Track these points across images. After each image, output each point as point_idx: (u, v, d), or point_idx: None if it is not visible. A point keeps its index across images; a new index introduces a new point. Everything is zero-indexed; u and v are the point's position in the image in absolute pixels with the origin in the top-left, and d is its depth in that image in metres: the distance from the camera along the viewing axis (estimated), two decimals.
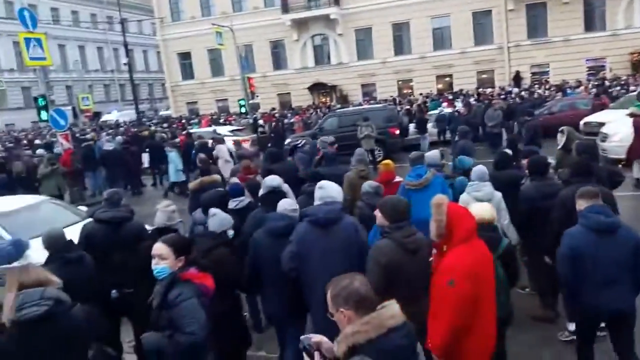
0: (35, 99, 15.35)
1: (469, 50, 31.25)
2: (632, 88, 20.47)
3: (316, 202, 4.17)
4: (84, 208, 8.95)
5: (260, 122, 23.65)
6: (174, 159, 13.91)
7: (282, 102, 35.78)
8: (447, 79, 32.81)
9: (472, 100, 21.86)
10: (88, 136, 19.67)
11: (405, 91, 33.12)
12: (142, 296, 3.31)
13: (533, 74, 30.79)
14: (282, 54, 35.74)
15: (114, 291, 4.79)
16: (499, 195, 5.41)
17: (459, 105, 20.44)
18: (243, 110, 27.40)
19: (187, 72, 38.28)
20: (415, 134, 18.50)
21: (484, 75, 31.82)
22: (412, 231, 3.62)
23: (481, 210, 4.11)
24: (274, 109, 31.92)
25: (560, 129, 7.60)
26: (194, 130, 20.99)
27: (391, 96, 30.70)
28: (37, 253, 4.33)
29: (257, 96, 31.65)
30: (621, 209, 5.14)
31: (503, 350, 4.07)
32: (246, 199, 5.83)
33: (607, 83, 23.78)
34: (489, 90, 27.08)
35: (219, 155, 13.35)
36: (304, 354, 2.30)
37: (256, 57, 35.46)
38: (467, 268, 3.24)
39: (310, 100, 34.56)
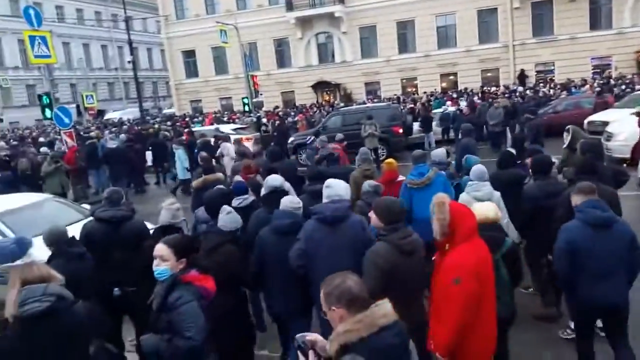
0: (40, 96, 15.40)
1: (474, 48, 31.14)
2: (637, 87, 20.37)
3: (324, 201, 4.23)
4: (87, 206, 8.96)
5: (264, 120, 23.62)
6: (181, 156, 13.92)
7: (285, 101, 35.78)
8: (452, 77, 32.72)
9: (476, 98, 21.76)
10: (92, 134, 19.72)
11: (409, 90, 33.04)
12: (144, 295, 3.30)
13: (538, 72, 30.68)
14: (286, 52, 35.73)
15: (116, 289, 4.81)
16: (497, 194, 5.42)
17: (463, 104, 20.38)
18: (247, 108, 27.41)
19: (191, 70, 38.32)
20: (419, 132, 18.48)
21: (488, 74, 31.71)
22: (407, 232, 3.61)
23: (485, 209, 4.09)
24: (277, 107, 31.92)
25: (566, 128, 7.57)
26: (197, 128, 20.98)
27: (395, 95, 30.66)
28: (40, 251, 4.34)
29: (261, 94, 31.60)
30: (625, 209, 5.12)
31: (505, 350, 4.06)
32: (250, 197, 5.85)
33: (612, 82, 23.66)
34: (493, 88, 27.00)
35: (223, 152, 13.36)
36: (299, 353, 2.30)
37: (260, 55, 35.46)
38: (472, 266, 3.27)
39: (314, 98, 34.54)
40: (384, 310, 2.26)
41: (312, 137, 11.59)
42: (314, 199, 5.24)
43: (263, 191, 5.46)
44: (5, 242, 3.95)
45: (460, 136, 10.65)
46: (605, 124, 13.47)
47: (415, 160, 6.38)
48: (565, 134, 7.46)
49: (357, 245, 3.93)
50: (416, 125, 19.01)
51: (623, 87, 20.88)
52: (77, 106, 31.01)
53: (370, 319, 2.20)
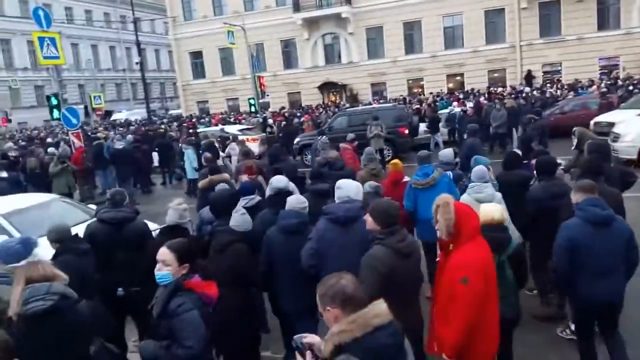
0: (48, 97, 15.51)
1: (481, 49, 31.04)
2: None
3: (336, 201, 4.31)
4: (93, 206, 9.01)
5: (270, 121, 23.64)
6: (190, 156, 13.98)
7: (292, 101, 35.82)
8: (458, 78, 32.62)
9: (482, 99, 21.67)
10: (100, 134, 19.83)
11: (415, 90, 32.98)
12: (147, 295, 3.31)
13: (545, 73, 30.53)
14: (293, 53, 35.77)
15: (120, 289, 4.83)
16: (499, 195, 5.40)
17: (470, 104, 20.31)
18: (253, 109, 27.46)
19: (199, 71, 38.45)
20: (426, 133, 18.43)
21: (495, 74, 31.59)
22: (404, 235, 3.60)
23: (491, 210, 4.09)
24: (283, 107, 31.96)
25: (572, 130, 7.55)
26: (201, 129, 21.05)
27: (401, 95, 30.60)
28: (46, 251, 4.37)
29: (268, 95, 31.71)
30: (632, 210, 5.09)
31: (510, 352, 4.06)
32: (256, 198, 5.87)
33: (620, 82, 23.50)
34: (500, 89, 26.88)
35: (231, 153, 13.40)
36: (297, 353, 2.30)
37: (267, 56, 35.53)
38: (479, 265, 3.31)
39: (320, 99, 34.56)
40: (378, 310, 2.25)
41: (324, 137, 11.57)
42: (317, 198, 5.26)
43: (268, 192, 5.49)
44: (10, 242, 3.97)
45: (465, 136, 10.65)
46: (611, 124, 13.41)
47: (420, 161, 6.39)
48: (572, 136, 7.43)
49: (368, 245, 3.92)
50: (422, 126, 18.96)
51: (631, 87, 20.72)
52: (85, 107, 31.19)
53: (364, 319, 2.20)
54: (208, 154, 9.78)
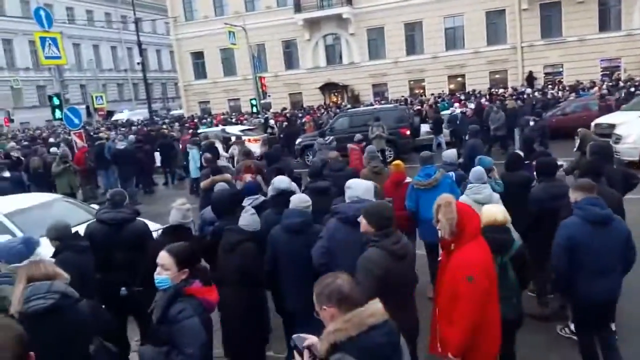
0: (50, 97, 15.53)
1: (482, 50, 31.05)
2: None
3: (346, 201, 4.35)
4: (96, 206, 9.02)
5: (271, 122, 23.66)
6: (195, 155, 14.00)
7: (293, 102, 35.84)
8: (460, 79, 32.63)
9: (483, 100, 21.67)
10: (102, 135, 19.85)
11: (416, 91, 32.99)
12: (149, 295, 3.31)
13: (546, 74, 30.52)
14: (294, 54, 35.79)
15: (123, 289, 4.84)
16: (497, 196, 5.44)
17: (472, 106, 20.31)
18: (254, 109, 27.47)
19: (200, 71, 38.48)
20: (429, 134, 18.41)
21: (496, 76, 31.60)
22: (398, 237, 3.58)
23: (494, 211, 4.10)
24: (285, 108, 31.98)
25: (577, 132, 7.56)
26: (202, 130, 21.08)
27: (402, 96, 30.60)
28: (48, 250, 4.38)
29: (269, 96, 31.72)
30: (634, 212, 5.09)
31: (512, 352, 4.07)
32: (260, 198, 5.88)
33: (621, 84, 23.49)
34: (501, 90, 26.88)
35: (234, 153, 13.41)
36: (295, 352, 2.32)
37: (268, 56, 35.56)
38: (484, 263, 3.35)
39: (322, 100, 34.58)
40: (373, 309, 2.27)
41: (331, 138, 11.56)
42: (316, 195, 5.28)
43: (271, 192, 5.52)
44: (13, 242, 3.98)
45: (467, 137, 10.67)
46: (612, 126, 13.42)
47: (423, 162, 6.40)
48: (576, 137, 7.44)
49: None
50: (424, 127, 18.95)
51: (632, 89, 20.71)
52: (87, 107, 31.28)
53: (359, 318, 2.21)
54: (208, 155, 9.79)
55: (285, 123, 22.78)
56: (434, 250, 5.54)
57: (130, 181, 14.49)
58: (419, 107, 23.41)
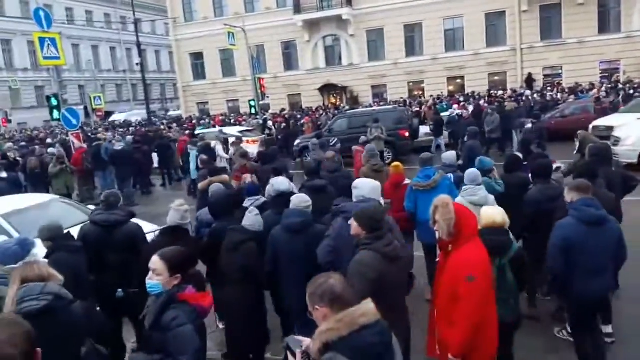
0: (48, 98, 15.50)
1: (482, 51, 31.05)
2: None
3: (353, 200, 4.40)
4: (93, 207, 9.00)
5: (270, 123, 23.66)
6: (195, 157, 14.00)
7: (292, 103, 35.83)
8: (459, 80, 32.63)
9: (482, 102, 21.67)
10: (100, 135, 19.83)
11: (416, 93, 32.99)
12: (145, 297, 3.29)
13: (546, 76, 30.52)
14: (294, 55, 35.79)
15: (119, 290, 4.83)
16: (492, 198, 5.46)
17: (471, 107, 20.30)
18: (253, 111, 27.47)
19: (199, 72, 38.47)
20: (428, 136, 18.38)
21: (496, 77, 31.60)
22: (390, 239, 3.56)
23: (492, 213, 4.10)
24: (284, 109, 31.98)
25: (577, 134, 7.55)
26: (199, 131, 21.07)
27: (401, 98, 30.60)
28: (43, 251, 4.38)
29: (268, 97, 31.73)
30: (632, 214, 5.09)
31: (510, 354, 4.05)
32: (262, 198, 5.90)
33: (620, 86, 23.51)
34: (500, 92, 26.89)
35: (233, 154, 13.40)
36: (288, 353, 2.34)
37: (268, 57, 35.55)
38: (483, 263, 3.39)
39: (321, 101, 34.57)
40: (365, 309, 2.28)
41: (335, 139, 11.54)
42: (313, 194, 5.29)
43: (271, 194, 5.56)
44: (8, 243, 3.96)
45: (465, 139, 10.68)
46: (610, 128, 13.41)
47: (423, 163, 6.42)
48: (575, 140, 7.43)
49: None
50: (423, 129, 18.93)
51: (631, 91, 20.73)
52: (85, 107, 31.23)
53: (350, 317, 2.23)
54: (204, 156, 9.80)
55: (284, 124, 22.79)
56: (432, 251, 5.54)
57: (127, 182, 14.46)
58: (418, 109, 23.41)
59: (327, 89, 34.86)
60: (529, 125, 13.12)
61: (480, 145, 9.83)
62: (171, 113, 44.86)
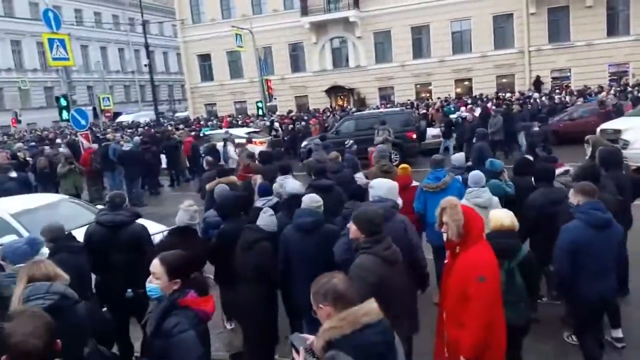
0: (57, 98, 15.61)
1: (489, 54, 30.95)
2: None
3: (370, 200, 4.44)
4: (101, 207, 9.06)
5: (276, 124, 23.70)
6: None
7: (299, 105, 35.86)
8: (467, 83, 32.54)
9: (489, 105, 21.58)
10: (109, 136, 19.93)
11: (423, 95, 32.92)
12: None
13: (554, 79, 30.36)
14: (301, 57, 35.82)
15: (129, 290, 4.85)
16: (496, 200, 5.48)
17: (479, 110, 20.22)
18: (260, 112, 27.53)
19: (207, 73, 38.58)
20: (434, 138, 18.32)
21: (503, 80, 31.48)
22: (389, 242, 3.57)
23: (501, 216, 4.09)
24: (291, 111, 32.03)
25: (585, 139, 7.48)
26: (205, 132, 21.13)
27: (409, 100, 30.55)
28: (45, 251, 4.40)
29: (275, 98, 31.75)
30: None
31: (519, 358, 4.05)
32: (274, 198, 5.91)
33: (629, 89, 23.35)
34: (508, 94, 26.79)
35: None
36: (292, 351, 2.37)
37: (275, 59, 35.61)
38: (493, 264, 3.41)
39: (328, 103, 34.58)
40: (368, 308, 2.32)
41: (351, 142, 11.53)
42: (319, 193, 5.31)
43: (283, 196, 5.64)
44: (18, 242, 4.01)
45: (474, 140, 10.68)
46: (618, 132, 13.31)
47: (434, 165, 6.43)
48: (585, 144, 7.36)
49: (399, 243, 3.97)
50: (431, 131, 18.88)
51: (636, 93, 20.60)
52: (94, 108, 31.39)
53: (353, 316, 2.27)
54: (209, 158, 9.85)
55: (291, 126, 22.84)
56: (441, 253, 5.53)
57: (136, 182, 14.53)
58: (425, 111, 23.35)
59: (334, 91, 34.87)
60: (536, 129, 13.05)
61: (489, 146, 9.81)
62: (178, 114, 44.98)
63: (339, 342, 2.22)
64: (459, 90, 32.41)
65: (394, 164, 14.05)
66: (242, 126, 25.23)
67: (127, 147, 14.68)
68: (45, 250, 4.35)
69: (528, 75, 30.20)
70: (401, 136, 16.27)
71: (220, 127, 24.35)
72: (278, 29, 34.40)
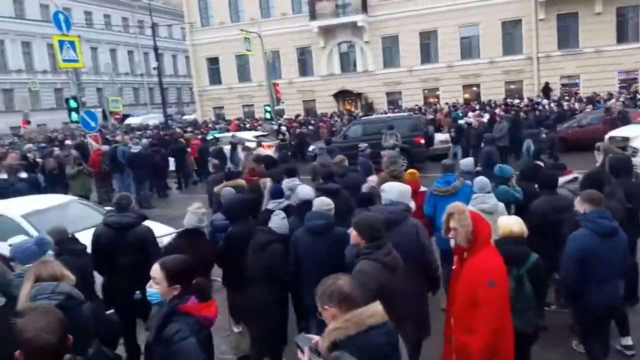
0: (67, 100, 15.71)
1: (498, 60, 30.87)
2: None
3: (383, 203, 4.50)
4: (109, 208, 9.10)
5: (283, 128, 23.76)
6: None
7: (307, 109, 35.93)
8: (475, 88, 32.46)
9: (497, 110, 21.52)
10: (118, 138, 20.04)
11: (431, 100, 32.88)
12: None
13: (563, 85, 30.24)
14: (309, 61, 35.90)
15: (137, 292, 4.87)
16: (501, 206, 5.49)
17: (487, 116, 20.16)
18: (268, 116, 27.58)
19: (215, 77, 38.74)
20: (442, 143, 18.28)
21: (512, 86, 31.38)
22: (389, 248, 3.58)
23: (510, 223, 4.09)
24: (298, 115, 32.07)
25: (596, 146, 7.44)
26: (212, 135, 21.20)
27: (416, 105, 30.52)
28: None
29: (283, 102, 31.80)
30: None
31: None
32: (285, 201, 5.96)
33: (638, 96, 23.21)
34: (516, 101, 26.70)
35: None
36: (298, 351, 2.41)
37: (283, 63, 35.71)
38: (502, 269, 3.42)
39: (335, 107, 34.62)
40: (373, 310, 2.35)
41: (365, 145, 11.53)
42: (327, 197, 5.33)
43: (295, 201, 5.71)
44: (27, 242, 4.05)
45: (482, 145, 10.68)
46: (626, 139, 13.24)
47: (445, 169, 6.46)
48: (596, 152, 7.33)
49: (411, 247, 4.08)
50: (439, 136, 18.84)
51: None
52: (103, 110, 31.59)
53: (358, 318, 2.30)
54: (216, 161, 9.89)
55: (298, 130, 22.90)
56: (448, 257, 5.52)
57: (144, 184, 14.59)
58: (432, 116, 23.32)
59: (341, 95, 34.90)
60: (543, 136, 13.02)
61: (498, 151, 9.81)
62: (186, 117, 45.12)
63: (344, 343, 2.24)
64: (466, 95, 32.35)
65: (402, 169, 14.11)
66: (250, 130, 25.30)
67: (135, 149, 14.74)
68: (52, 251, 4.39)
69: (537, 82, 30.09)
70: (409, 141, 16.23)
71: (228, 130, 24.42)
72: (286, 33, 34.51)
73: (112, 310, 4.98)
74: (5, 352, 2.26)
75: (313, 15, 33.40)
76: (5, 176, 10.50)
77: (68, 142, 21.63)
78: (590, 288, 4.03)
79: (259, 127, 25.96)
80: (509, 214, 5.47)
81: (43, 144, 22.93)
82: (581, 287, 4.06)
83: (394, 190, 4.46)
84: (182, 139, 18.89)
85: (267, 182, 7.27)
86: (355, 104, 34.95)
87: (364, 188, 5.88)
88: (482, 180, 5.62)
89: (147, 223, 5.57)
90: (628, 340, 4.88)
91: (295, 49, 35.70)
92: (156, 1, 44.88)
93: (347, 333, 2.25)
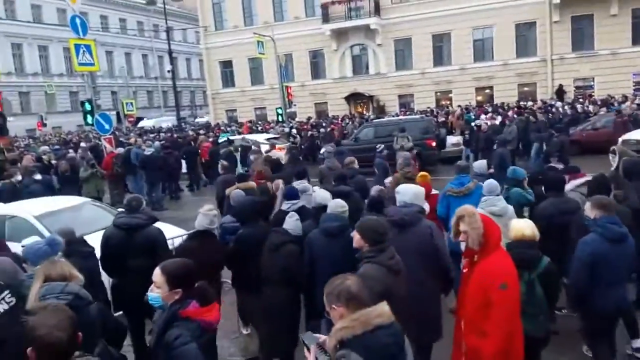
0: (82, 103, 15.91)
1: (511, 62, 30.65)
2: None
3: (397, 204, 4.56)
4: (120, 210, 9.19)
5: (294, 131, 23.82)
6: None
7: (319, 111, 35.96)
8: (488, 91, 32.26)
9: (510, 113, 21.36)
10: (131, 140, 20.24)
11: (443, 103, 32.73)
12: None
13: (577, 87, 29.91)
14: (321, 64, 35.95)
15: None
16: (511, 209, 5.46)
17: (499, 118, 20.03)
18: (280, 118, 27.71)
19: (228, 80, 38.93)
20: (454, 146, 18.19)
21: (525, 88, 31.11)
22: (393, 252, 3.57)
23: (522, 226, 4.07)
24: (310, 117, 32.13)
25: (611, 149, 7.37)
26: (223, 137, 21.33)
27: (428, 107, 30.41)
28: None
29: (295, 105, 31.87)
30: None
31: None
32: (300, 202, 5.97)
33: None
34: (529, 103, 26.49)
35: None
36: (305, 349, 2.44)
37: (295, 66, 35.82)
38: (513, 272, 3.41)
39: (347, 109, 34.61)
40: (380, 310, 2.37)
41: (382, 146, 11.52)
42: (339, 198, 5.35)
43: (312, 204, 5.72)
44: (38, 243, 4.11)
45: (495, 147, 10.64)
46: None
47: (459, 171, 6.49)
48: (611, 155, 7.25)
49: (425, 249, 4.12)
50: (451, 139, 18.76)
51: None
52: (117, 113, 31.87)
53: (366, 317, 2.32)
54: (225, 162, 9.93)
55: (310, 132, 22.96)
56: (459, 260, 5.51)
57: (156, 187, 14.70)
58: (444, 119, 23.21)
59: (353, 98, 34.88)
60: (555, 139, 12.90)
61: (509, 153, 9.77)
62: (198, 120, 45.40)
63: (350, 342, 2.27)
64: (479, 98, 32.15)
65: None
66: (262, 132, 25.41)
67: (148, 151, 14.87)
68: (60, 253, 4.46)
69: (550, 84, 29.82)
70: (421, 144, 16.17)
71: (239, 133, 24.54)
72: (299, 36, 34.60)
73: (121, 312, 5.03)
74: (18, 351, 2.30)
75: (326, 19, 33.45)
76: (19, 178, 10.63)
77: (83, 144, 21.92)
78: (599, 292, 4.04)
79: (271, 130, 26.04)
80: (524, 216, 5.45)
81: (58, 146, 23.21)
82: (590, 291, 4.07)
83: (409, 192, 4.48)
84: (192, 142, 19.06)
85: (280, 184, 7.29)
86: (367, 107, 34.92)
87: (373, 191, 5.86)
88: (491, 182, 5.61)
89: (158, 225, 5.61)
90: (638, 343, 4.85)
91: (307, 52, 35.77)
92: (171, 5, 45.20)
93: (354, 332, 2.27)
